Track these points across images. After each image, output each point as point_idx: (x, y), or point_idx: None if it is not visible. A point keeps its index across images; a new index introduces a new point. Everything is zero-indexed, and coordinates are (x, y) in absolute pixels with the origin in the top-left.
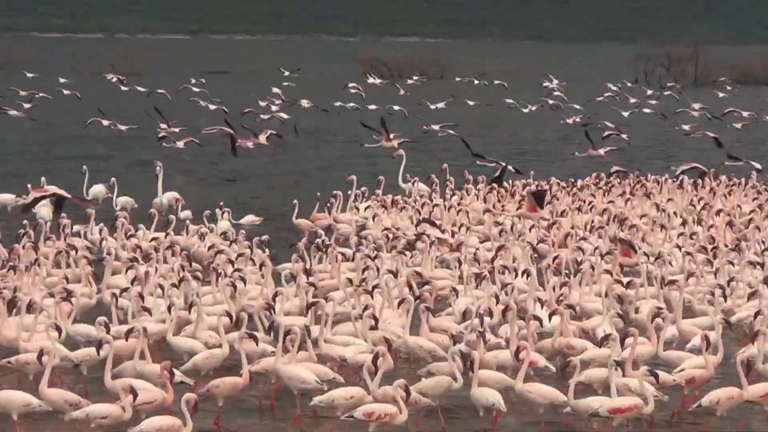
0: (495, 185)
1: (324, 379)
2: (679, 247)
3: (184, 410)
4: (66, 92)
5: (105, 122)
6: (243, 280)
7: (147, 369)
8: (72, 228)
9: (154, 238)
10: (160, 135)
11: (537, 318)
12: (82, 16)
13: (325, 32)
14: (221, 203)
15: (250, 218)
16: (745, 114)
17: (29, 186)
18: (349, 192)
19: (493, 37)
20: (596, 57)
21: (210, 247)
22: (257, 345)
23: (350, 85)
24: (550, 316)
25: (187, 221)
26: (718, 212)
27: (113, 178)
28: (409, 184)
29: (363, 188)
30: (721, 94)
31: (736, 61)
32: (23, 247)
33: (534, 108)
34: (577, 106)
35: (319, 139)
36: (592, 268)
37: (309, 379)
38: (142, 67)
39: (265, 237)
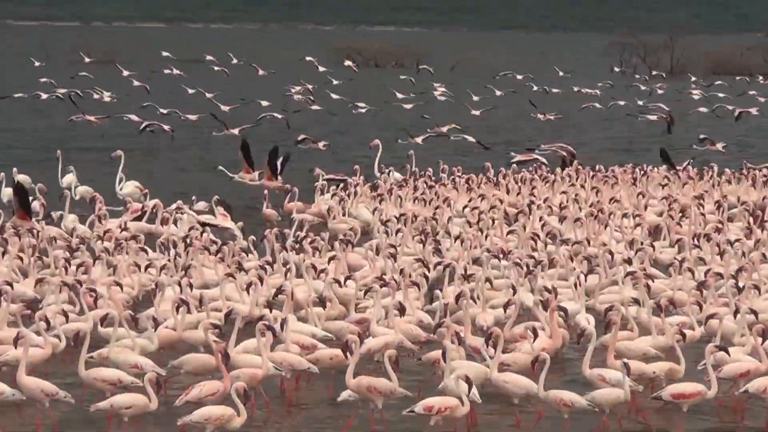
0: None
1: (299, 369)
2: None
3: (236, 400)
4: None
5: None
6: (263, 272)
7: (120, 358)
8: (48, 215)
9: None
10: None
11: (562, 309)
12: (57, 3)
13: (300, 21)
14: (194, 197)
15: (202, 204)
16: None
17: None
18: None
19: (469, 26)
20: (571, 46)
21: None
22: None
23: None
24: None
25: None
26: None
27: (71, 167)
28: (384, 174)
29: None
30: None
31: (712, 51)
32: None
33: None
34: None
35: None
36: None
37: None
38: (118, 55)
39: (217, 198)
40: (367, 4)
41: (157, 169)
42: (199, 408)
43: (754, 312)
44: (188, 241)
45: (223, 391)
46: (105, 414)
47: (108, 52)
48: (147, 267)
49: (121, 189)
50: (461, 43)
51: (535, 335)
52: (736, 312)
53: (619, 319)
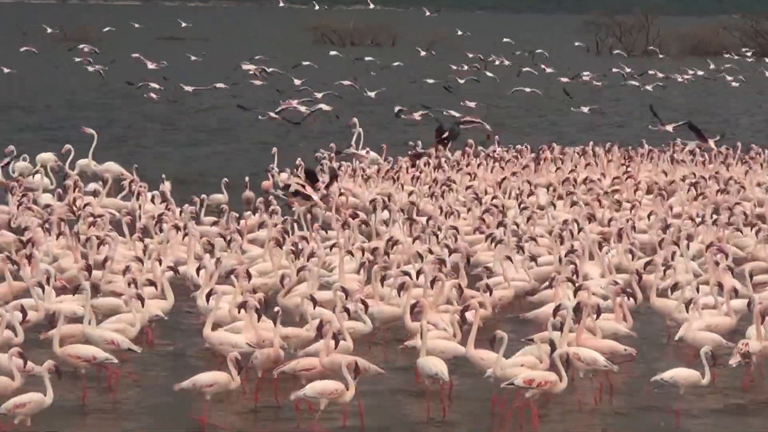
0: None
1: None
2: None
3: (346, 374)
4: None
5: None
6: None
7: (96, 334)
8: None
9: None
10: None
11: (631, 294)
12: None
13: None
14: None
15: (168, 185)
16: None
17: None
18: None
19: (445, 5)
20: (545, 27)
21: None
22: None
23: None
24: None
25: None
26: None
27: (11, 146)
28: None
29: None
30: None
31: (688, 31)
32: None
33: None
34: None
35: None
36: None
37: (240, 343)
38: (93, 34)
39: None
40: None
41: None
42: (311, 383)
43: None
44: (163, 219)
45: (320, 367)
46: (189, 393)
47: (84, 30)
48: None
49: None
50: (436, 23)
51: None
52: None
53: (590, 302)
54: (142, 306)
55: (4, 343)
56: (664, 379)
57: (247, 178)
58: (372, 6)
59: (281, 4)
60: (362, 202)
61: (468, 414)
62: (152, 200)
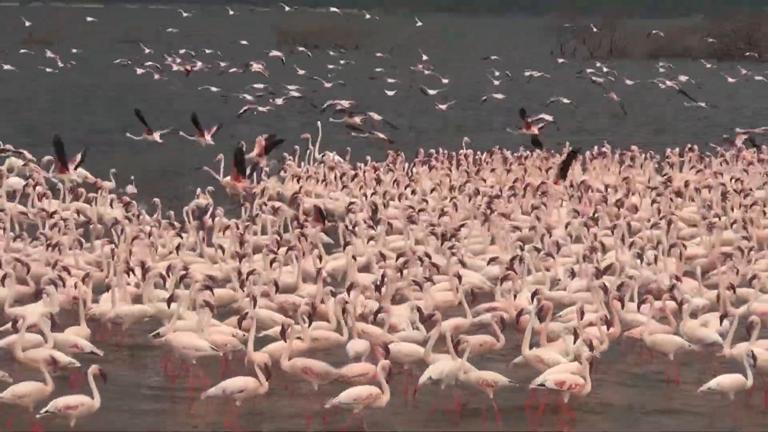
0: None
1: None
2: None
3: (381, 378)
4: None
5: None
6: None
7: (59, 339)
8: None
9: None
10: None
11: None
12: None
13: (239, 1)
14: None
15: (129, 188)
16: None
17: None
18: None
19: (411, 8)
20: (511, 29)
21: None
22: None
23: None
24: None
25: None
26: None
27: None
28: (322, 156)
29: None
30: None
31: (652, 34)
32: None
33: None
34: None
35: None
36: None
37: (203, 347)
38: (56, 36)
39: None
40: None
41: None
42: (346, 389)
43: None
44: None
45: (374, 374)
46: (217, 400)
47: (49, 32)
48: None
49: None
50: (403, 26)
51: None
52: None
53: (552, 305)
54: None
55: (34, 346)
56: (711, 387)
57: (209, 171)
58: (335, 9)
59: (231, 13)
60: (337, 207)
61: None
62: (110, 204)
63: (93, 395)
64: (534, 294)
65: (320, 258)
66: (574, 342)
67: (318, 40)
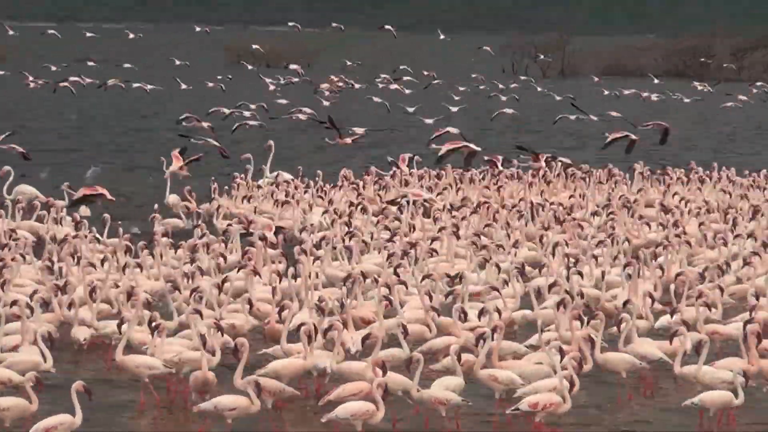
0: None
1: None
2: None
3: (376, 396)
4: None
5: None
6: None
7: (16, 359)
8: None
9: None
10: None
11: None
12: None
13: (194, 21)
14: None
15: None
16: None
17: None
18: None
19: (361, 26)
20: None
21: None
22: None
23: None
24: None
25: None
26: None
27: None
28: (274, 174)
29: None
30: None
31: (603, 52)
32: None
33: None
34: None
35: None
36: None
37: (156, 365)
38: (8, 55)
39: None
40: (258, 4)
41: None
42: (342, 405)
43: None
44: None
45: (368, 391)
46: (208, 415)
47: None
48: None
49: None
50: (352, 43)
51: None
52: None
53: (504, 324)
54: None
55: (34, 366)
56: (694, 402)
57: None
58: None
59: (197, 29)
60: (289, 226)
61: None
62: (60, 222)
63: (75, 412)
64: (480, 312)
65: (279, 275)
66: (561, 360)
67: (269, 59)
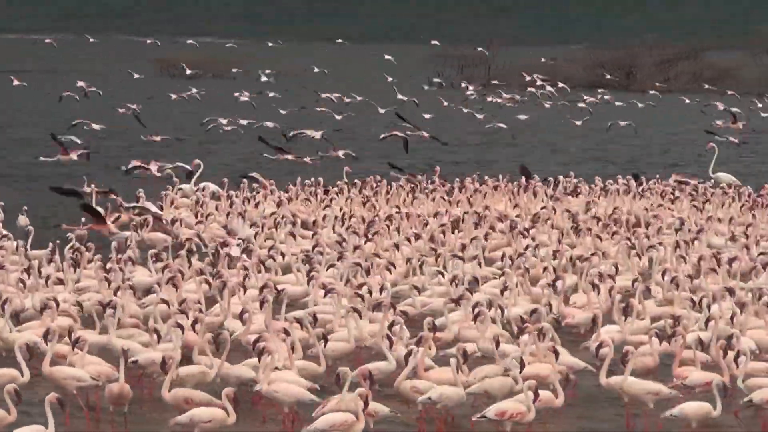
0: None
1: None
2: None
3: (356, 406)
4: None
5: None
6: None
7: None
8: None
9: None
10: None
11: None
12: None
13: (118, 32)
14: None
15: (22, 220)
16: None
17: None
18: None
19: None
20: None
21: None
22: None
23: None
24: None
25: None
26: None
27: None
28: (201, 185)
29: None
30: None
31: (530, 63)
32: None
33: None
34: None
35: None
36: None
37: (84, 377)
38: None
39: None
40: (186, 15)
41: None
42: (322, 416)
43: None
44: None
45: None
46: (185, 428)
47: None
48: None
49: None
50: (280, 55)
51: None
52: None
53: (430, 336)
54: None
55: (11, 379)
56: (673, 414)
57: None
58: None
59: (121, 37)
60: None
61: None
62: None
63: (48, 425)
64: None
65: (208, 284)
66: (520, 371)
67: (198, 69)
